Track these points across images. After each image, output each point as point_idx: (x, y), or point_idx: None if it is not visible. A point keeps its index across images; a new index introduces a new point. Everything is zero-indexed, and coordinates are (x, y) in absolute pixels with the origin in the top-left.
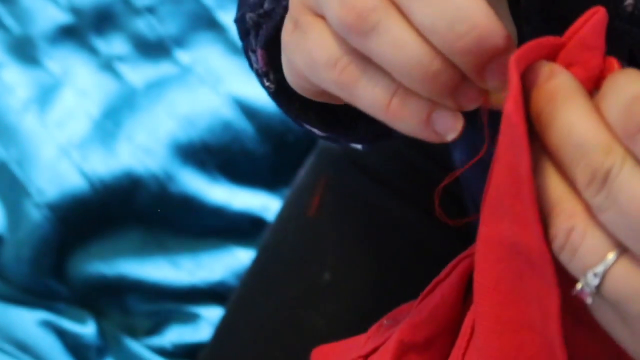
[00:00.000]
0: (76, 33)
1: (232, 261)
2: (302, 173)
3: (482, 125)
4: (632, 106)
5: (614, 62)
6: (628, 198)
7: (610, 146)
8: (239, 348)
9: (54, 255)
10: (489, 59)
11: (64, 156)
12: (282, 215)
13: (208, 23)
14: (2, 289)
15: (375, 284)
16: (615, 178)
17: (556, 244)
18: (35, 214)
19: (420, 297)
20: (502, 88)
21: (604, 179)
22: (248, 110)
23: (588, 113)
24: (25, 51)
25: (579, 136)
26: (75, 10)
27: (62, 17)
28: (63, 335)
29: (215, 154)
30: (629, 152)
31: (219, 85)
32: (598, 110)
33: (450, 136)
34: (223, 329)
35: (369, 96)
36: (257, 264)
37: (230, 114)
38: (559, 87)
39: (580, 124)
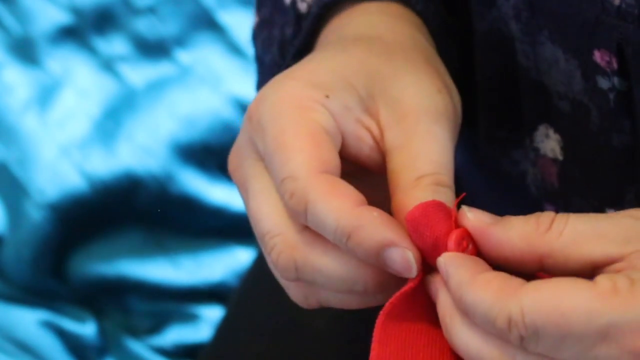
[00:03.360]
0: (76, 33)
1: (232, 261)
2: None
3: None
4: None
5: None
6: None
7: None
8: (239, 348)
9: (54, 255)
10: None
11: (64, 156)
12: None
13: (208, 23)
14: (2, 289)
15: None
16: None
17: None
18: (35, 214)
19: None
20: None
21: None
22: None
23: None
24: (25, 51)
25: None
26: (75, 10)
27: (62, 17)
28: (63, 335)
29: (215, 154)
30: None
31: (219, 85)
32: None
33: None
34: (223, 329)
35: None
36: (257, 264)
37: (230, 114)
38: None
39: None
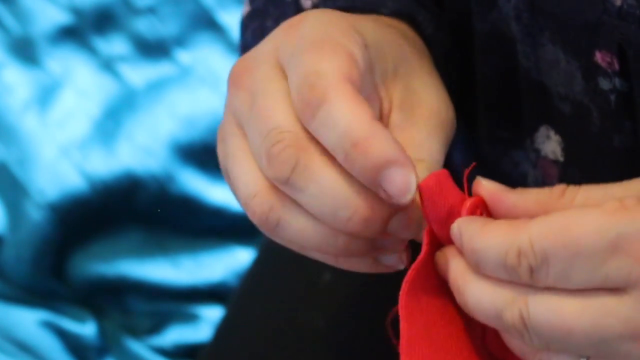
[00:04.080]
0: (76, 33)
1: (232, 261)
2: None
3: None
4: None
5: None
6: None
7: (515, 297)
8: (239, 348)
9: (54, 255)
10: (388, 221)
11: (64, 156)
12: None
13: (208, 23)
14: (2, 289)
15: (376, 283)
16: (528, 320)
17: None
18: (35, 214)
19: None
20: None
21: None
22: None
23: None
24: (25, 51)
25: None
26: (75, 10)
27: (62, 17)
28: (63, 335)
29: (215, 154)
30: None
31: (219, 85)
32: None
33: (401, 266)
34: (223, 329)
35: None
36: (257, 264)
37: None
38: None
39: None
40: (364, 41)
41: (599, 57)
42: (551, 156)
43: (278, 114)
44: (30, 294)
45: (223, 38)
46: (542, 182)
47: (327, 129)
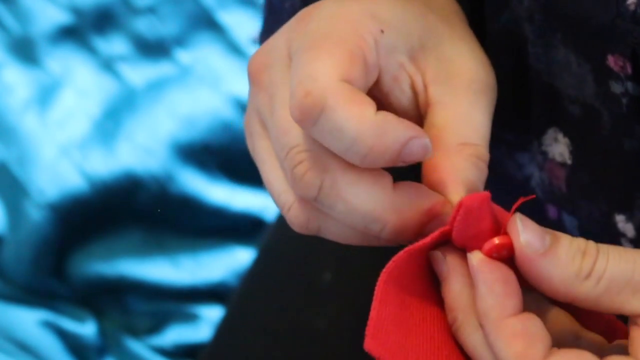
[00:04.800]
0: (76, 33)
1: (232, 261)
2: None
3: None
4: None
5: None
6: None
7: None
8: (239, 348)
9: (54, 255)
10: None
11: (64, 156)
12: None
13: (208, 23)
14: (2, 289)
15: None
16: None
17: None
18: (35, 214)
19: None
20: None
21: None
22: None
23: None
24: (25, 51)
25: None
26: (75, 10)
27: (62, 17)
28: (63, 335)
29: (215, 154)
30: None
31: (219, 85)
32: None
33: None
34: (223, 329)
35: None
36: (257, 264)
37: (230, 114)
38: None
39: None
40: (379, 26)
41: (611, 60)
42: (559, 158)
43: (294, 128)
44: (30, 294)
45: (223, 38)
46: (549, 184)
47: (334, 139)
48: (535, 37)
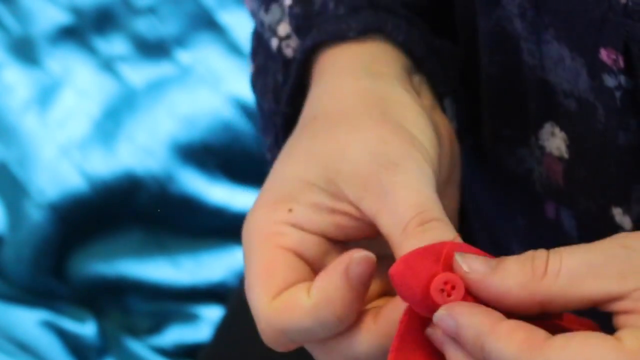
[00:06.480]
0: (76, 33)
1: (232, 261)
2: None
3: None
4: None
5: None
6: None
7: None
8: (239, 348)
9: (54, 255)
10: None
11: (64, 156)
12: None
13: (208, 23)
14: (2, 289)
15: None
16: None
17: None
18: (35, 214)
19: None
20: None
21: None
22: (248, 110)
23: None
24: (25, 51)
25: None
26: (75, 10)
27: (62, 17)
28: (63, 335)
29: (215, 154)
30: None
31: (219, 85)
32: None
33: None
34: (223, 329)
35: None
36: None
37: (230, 114)
38: None
39: None
40: (287, 208)
41: (604, 54)
42: (556, 153)
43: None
44: (30, 294)
45: (223, 38)
46: (547, 178)
47: (305, 337)
48: (527, 33)
